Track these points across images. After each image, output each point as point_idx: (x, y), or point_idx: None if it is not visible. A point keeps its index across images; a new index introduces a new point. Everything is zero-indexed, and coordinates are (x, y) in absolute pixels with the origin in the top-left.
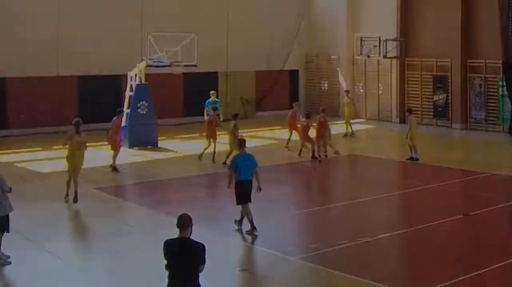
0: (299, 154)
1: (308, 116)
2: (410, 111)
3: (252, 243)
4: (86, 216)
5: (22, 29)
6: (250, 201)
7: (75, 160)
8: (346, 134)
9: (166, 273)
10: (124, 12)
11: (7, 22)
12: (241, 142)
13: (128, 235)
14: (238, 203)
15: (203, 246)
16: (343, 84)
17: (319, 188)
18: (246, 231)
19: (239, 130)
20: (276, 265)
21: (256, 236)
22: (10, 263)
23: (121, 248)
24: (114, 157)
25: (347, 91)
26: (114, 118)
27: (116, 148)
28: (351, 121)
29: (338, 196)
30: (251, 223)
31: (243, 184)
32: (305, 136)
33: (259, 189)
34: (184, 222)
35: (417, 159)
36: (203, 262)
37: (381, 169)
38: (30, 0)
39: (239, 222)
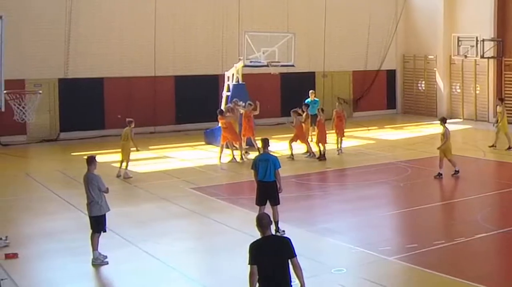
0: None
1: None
2: (444, 120)
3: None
4: (183, 216)
5: (120, 31)
6: (275, 204)
7: None
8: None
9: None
10: (221, 12)
11: (106, 24)
12: (264, 142)
13: (224, 235)
14: (256, 203)
15: (289, 239)
16: (441, 84)
17: (414, 188)
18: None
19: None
20: (374, 265)
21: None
22: (107, 263)
23: (217, 248)
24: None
25: (501, 100)
26: (242, 110)
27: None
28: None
29: (434, 195)
30: (275, 223)
31: (259, 184)
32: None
33: (280, 189)
34: (267, 222)
35: (457, 172)
36: (294, 254)
37: (478, 168)
38: (128, 3)
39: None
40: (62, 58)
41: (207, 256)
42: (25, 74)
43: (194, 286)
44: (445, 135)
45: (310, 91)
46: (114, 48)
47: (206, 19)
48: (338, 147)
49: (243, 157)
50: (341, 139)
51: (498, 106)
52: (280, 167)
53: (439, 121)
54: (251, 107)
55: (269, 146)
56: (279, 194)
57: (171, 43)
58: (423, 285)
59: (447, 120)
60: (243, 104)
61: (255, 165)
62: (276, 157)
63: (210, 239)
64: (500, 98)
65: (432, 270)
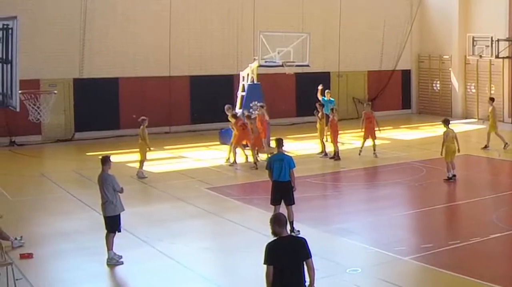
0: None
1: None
2: (446, 122)
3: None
4: (198, 216)
5: (135, 31)
6: (290, 203)
7: None
8: (487, 146)
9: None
10: (236, 12)
11: (121, 24)
12: (278, 142)
13: (239, 235)
14: (270, 203)
15: (305, 240)
16: (455, 84)
17: (429, 188)
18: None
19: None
20: (389, 265)
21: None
22: (122, 263)
23: (232, 248)
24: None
25: (492, 99)
26: (256, 114)
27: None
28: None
29: (448, 196)
30: (290, 223)
31: (274, 184)
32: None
33: (294, 188)
34: (284, 222)
35: (453, 176)
36: (310, 256)
37: (494, 169)
38: (143, 3)
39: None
40: (77, 58)
41: (222, 256)
42: (40, 74)
43: (209, 286)
44: (444, 137)
45: (326, 91)
46: (129, 48)
47: (221, 19)
48: (373, 150)
49: (257, 159)
50: (374, 142)
51: (489, 106)
52: (294, 166)
53: (442, 123)
54: (262, 109)
55: (283, 145)
56: (294, 193)
57: (186, 43)
58: (438, 285)
59: (461, 121)
60: (259, 104)
61: (270, 164)
62: (291, 156)
63: (225, 239)
64: (491, 97)
65: (447, 270)
